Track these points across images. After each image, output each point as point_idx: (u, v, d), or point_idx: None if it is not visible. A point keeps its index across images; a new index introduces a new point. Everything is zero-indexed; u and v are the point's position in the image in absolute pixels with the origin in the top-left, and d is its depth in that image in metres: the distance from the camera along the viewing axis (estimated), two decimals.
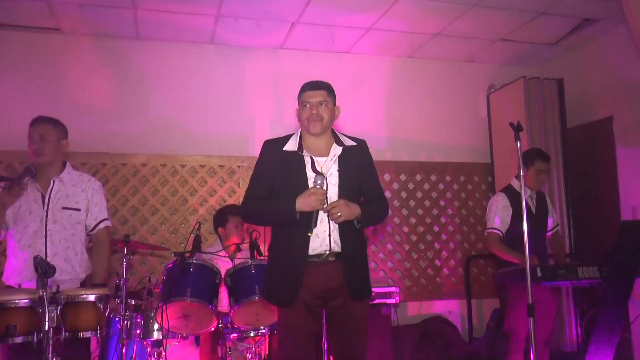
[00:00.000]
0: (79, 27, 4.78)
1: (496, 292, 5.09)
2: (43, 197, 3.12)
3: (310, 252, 2.69)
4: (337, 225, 2.70)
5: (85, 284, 3.23)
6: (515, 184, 3.93)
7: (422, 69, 5.67)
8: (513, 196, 3.85)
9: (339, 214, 2.63)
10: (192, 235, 3.54)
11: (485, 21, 4.82)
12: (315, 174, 2.69)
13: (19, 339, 2.54)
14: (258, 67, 5.25)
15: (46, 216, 3.10)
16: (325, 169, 2.75)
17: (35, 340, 2.54)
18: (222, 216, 4.23)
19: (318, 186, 2.65)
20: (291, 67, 5.26)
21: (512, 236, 3.76)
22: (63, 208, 3.14)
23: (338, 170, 2.75)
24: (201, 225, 3.65)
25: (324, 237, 2.71)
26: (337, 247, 2.71)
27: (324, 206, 2.65)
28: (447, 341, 4.96)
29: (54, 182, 3.16)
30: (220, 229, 4.19)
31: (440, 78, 5.72)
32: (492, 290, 5.38)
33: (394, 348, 4.48)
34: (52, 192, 3.14)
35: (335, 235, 2.71)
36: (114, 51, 4.98)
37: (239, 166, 5.06)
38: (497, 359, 4.56)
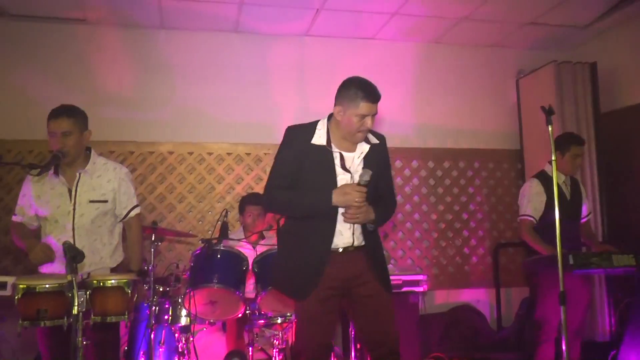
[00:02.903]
0: (104, 17, 4.82)
1: (526, 280, 5.02)
2: (69, 191, 3.11)
3: (332, 247, 2.68)
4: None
5: (116, 271, 3.22)
6: (549, 169, 3.82)
7: (448, 54, 5.58)
8: (547, 182, 3.73)
9: (358, 216, 2.63)
10: (219, 222, 3.55)
11: (513, 4, 4.70)
12: (363, 170, 2.64)
13: (49, 323, 2.57)
14: (283, 54, 5.23)
15: (73, 210, 3.08)
16: (353, 166, 2.72)
17: (65, 324, 2.57)
18: (240, 205, 4.33)
19: (363, 183, 2.61)
20: (316, 54, 5.24)
21: (546, 223, 3.67)
22: (90, 201, 3.11)
23: (363, 168, 2.70)
24: (228, 213, 3.66)
25: (347, 235, 2.71)
26: (357, 242, 2.72)
27: (361, 203, 2.62)
28: (475, 330, 4.90)
29: (79, 175, 3.13)
30: (240, 218, 4.28)
31: (467, 63, 5.62)
32: (521, 278, 5.29)
33: (421, 336, 4.44)
34: (79, 185, 3.11)
35: (357, 232, 2.72)
36: (139, 40, 5.01)
37: (265, 153, 5.07)
38: (526, 348, 4.48)
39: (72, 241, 3.03)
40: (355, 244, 2.71)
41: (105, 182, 3.18)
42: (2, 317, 3.07)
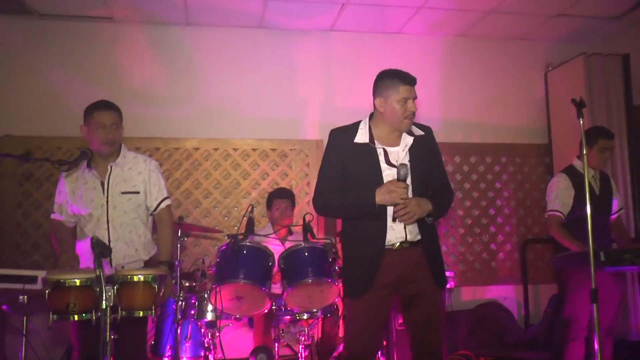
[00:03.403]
0: (130, 15, 4.87)
1: (554, 277, 4.95)
2: (102, 184, 3.15)
3: (387, 244, 2.66)
4: None
5: (150, 264, 3.25)
6: (577, 164, 3.75)
7: (475, 48, 5.51)
8: (575, 177, 3.68)
9: (413, 213, 2.59)
10: (245, 218, 3.55)
11: None
12: (400, 165, 2.62)
13: (79, 317, 2.60)
14: (308, 49, 5.22)
15: (107, 202, 3.13)
16: (399, 160, 2.70)
17: (94, 318, 2.60)
18: (268, 200, 4.36)
19: (402, 178, 2.59)
20: (341, 49, 5.23)
21: (574, 219, 3.59)
22: (122, 193, 3.16)
23: (409, 162, 2.69)
24: (254, 208, 3.66)
25: (399, 230, 2.68)
26: (411, 237, 2.69)
27: (405, 200, 2.60)
28: (503, 327, 4.84)
29: (111, 168, 3.17)
30: (268, 213, 4.30)
31: (494, 57, 5.55)
32: (549, 275, 5.22)
33: (448, 333, 4.41)
34: (111, 177, 3.16)
35: (410, 226, 2.69)
36: (164, 38, 5.05)
37: (291, 149, 5.07)
38: (555, 346, 4.41)
39: (106, 234, 3.09)
40: (409, 238, 2.68)
41: (136, 174, 3.22)
42: (33, 311, 3.11)
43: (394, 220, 2.64)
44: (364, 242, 2.69)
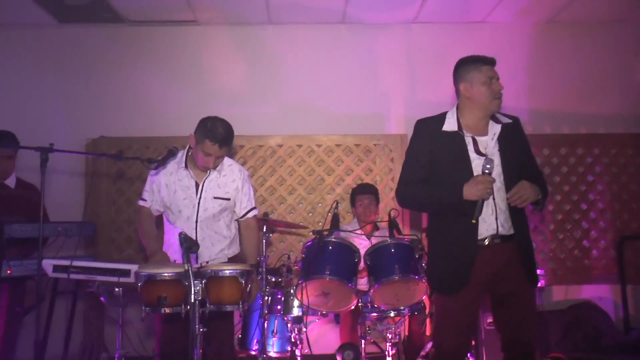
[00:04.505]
0: (214, 17, 5.00)
1: None
2: (197, 185, 3.24)
3: (478, 237, 2.59)
4: (502, 208, 2.60)
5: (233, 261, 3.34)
6: None
7: (565, 34, 5.25)
8: None
9: (526, 197, 2.53)
10: (330, 213, 3.55)
11: None
12: (484, 159, 2.56)
13: (169, 310, 2.70)
14: (390, 43, 5.18)
15: (198, 204, 3.22)
16: (488, 150, 2.63)
17: (183, 311, 2.68)
18: (351, 196, 4.39)
19: (487, 171, 2.53)
20: (424, 42, 5.15)
21: None
22: (214, 197, 3.25)
23: (499, 150, 2.62)
24: (339, 204, 3.66)
25: (490, 222, 2.60)
26: (503, 230, 2.60)
27: (491, 195, 2.55)
28: (599, 330, 4.56)
29: (209, 172, 3.25)
30: (352, 209, 4.32)
31: (585, 42, 5.27)
32: None
33: (540, 334, 4.22)
34: (206, 181, 3.24)
35: (502, 218, 2.60)
36: (247, 37, 5.15)
37: (375, 144, 5.03)
38: None
39: (194, 232, 3.18)
40: (501, 232, 2.60)
41: (230, 181, 3.31)
42: (127, 302, 3.25)
43: (475, 219, 2.54)
44: (455, 237, 2.63)
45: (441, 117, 2.73)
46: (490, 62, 2.69)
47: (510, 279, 2.59)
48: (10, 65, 5.09)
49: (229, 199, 3.29)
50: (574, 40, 5.27)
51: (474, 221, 2.54)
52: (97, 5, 4.64)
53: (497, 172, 2.60)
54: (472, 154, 2.62)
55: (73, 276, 3.08)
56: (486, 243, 2.60)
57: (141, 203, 3.36)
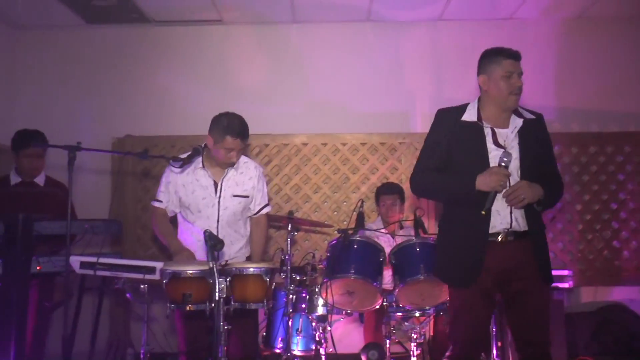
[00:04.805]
0: (239, 16, 5.03)
1: None
2: (215, 184, 3.25)
3: (490, 230, 2.54)
4: None
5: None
6: None
7: (594, 30, 5.16)
8: None
9: (523, 197, 2.46)
10: (354, 212, 3.54)
11: None
12: (503, 151, 2.52)
13: (194, 307, 2.72)
14: (416, 41, 5.16)
15: (218, 203, 3.23)
16: (508, 142, 2.58)
17: (208, 309, 2.69)
18: (376, 195, 4.37)
19: (503, 164, 2.48)
20: (450, 39, 5.11)
21: None
22: (233, 196, 3.26)
23: (519, 144, 2.57)
24: (364, 203, 3.64)
25: (505, 215, 2.55)
26: (517, 226, 2.55)
27: (505, 189, 2.50)
28: (631, 333, 4.44)
29: (227, 170, 3.26)
30: (377, 208, 4.31)
31: (615, 38, 5.17)
32: None
33: (567, 337, 4.13)
34: (224, 180, 3.25)
35: (517, 213, 2.55)
36: (272, 36, 5.18)
37: (400, 143, 5.00)
38: None
39: (215, 232, 3.16)
40: (515, 227, 2.55)
41: (247, 179, 3.32)
42: (152, 299, 3.28)
43: (485, 210, 2.49)
44: (467, 228, 2.57)
45: (462, 108, 2.69)
46: (513, 55, 2.60)
47: (523, 277, 2.54)
48: (39, 65, 5.19)
49: (247, 197, 3.30)
50: (603, 36, 5.17)
51: (483, 212, 2.49)
52: (123, 5, 4.71)
53: (515, 165, 2.55)
54: (490, 145, 2.58)
55: (99, 273, 3.11)
56: (499, 239, 2.55)
57: (156, 204, 3.34)
